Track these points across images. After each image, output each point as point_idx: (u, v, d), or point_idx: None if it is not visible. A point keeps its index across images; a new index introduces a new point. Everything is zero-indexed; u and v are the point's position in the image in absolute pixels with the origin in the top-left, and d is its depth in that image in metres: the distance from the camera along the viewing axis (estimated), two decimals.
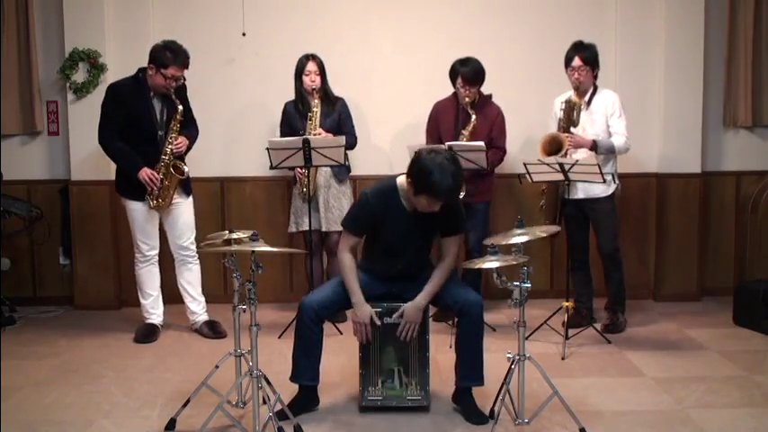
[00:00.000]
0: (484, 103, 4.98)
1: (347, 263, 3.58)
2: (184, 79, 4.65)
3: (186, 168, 4.66)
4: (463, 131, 4.87)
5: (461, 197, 4.79)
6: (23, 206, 5.42)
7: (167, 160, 4.59)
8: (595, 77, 4.79)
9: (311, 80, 4.99)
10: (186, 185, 4.80)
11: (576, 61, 4.70)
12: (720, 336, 4.82)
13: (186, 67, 4.58)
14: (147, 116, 4.59)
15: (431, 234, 3.65)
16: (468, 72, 4.84)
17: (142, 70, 4.63)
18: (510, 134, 5.09)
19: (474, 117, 4.85)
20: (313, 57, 5.02)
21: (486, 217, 5.05)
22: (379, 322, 3.55)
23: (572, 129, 4.73)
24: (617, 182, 4.79)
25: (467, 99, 4.86)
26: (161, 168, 4.59)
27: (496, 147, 4.95)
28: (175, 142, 4.60)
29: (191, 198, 4.86)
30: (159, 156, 4.60)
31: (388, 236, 3.58)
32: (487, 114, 4.94)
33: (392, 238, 3.58)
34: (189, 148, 4.75)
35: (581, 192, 4.76)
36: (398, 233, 3.56)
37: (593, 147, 4.66)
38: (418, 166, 3.32)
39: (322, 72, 5.03)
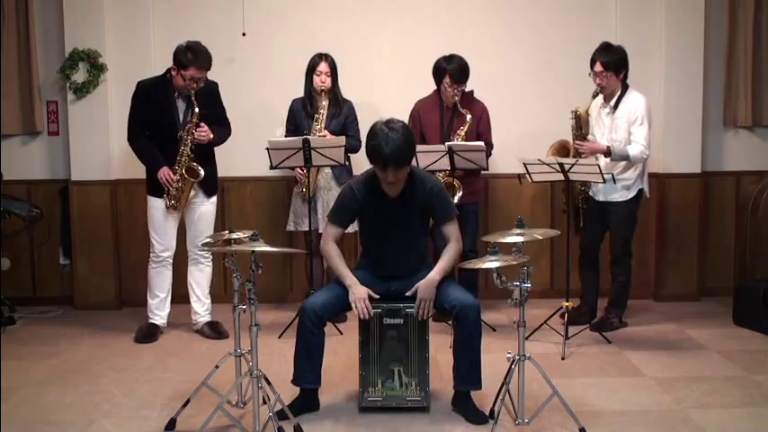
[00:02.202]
0: (468, 100, 4.92)
1: (333, 251, 3.67)
2: (216, 85, 4.72)
3: (201, 171, 4.63)
4: (458, 132, 4.83)
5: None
6: (23, 206, 5.42)
7: (183, 161, 4.59)
8: (624, 79, 4.70)
9: (321, 81, 4.94)
10: (208, 185, 4.79)
11: (598, 66, 4.62)
12: (720, 336, 4.82)
13: (207, 69, 4.58)
14: (169, 115, 4.61)
15: (416, 223, 3.64)
16: (456, 69, 4.76)
17: (170, 70, 4.66)
18: (510, 134, 5.09)
19: (470, 117, 4.81)
20: (326, 57, 4.97)
21: (476, 218, 5.04)
22: (377, 296, 3.56)
23: (589, 136, 4.76)
24: (640, 187, 4.74)
25: (455, 98, 4.80)
26: (177, 170, 4.60)
27: (484, 142, 4.92)
28: (198, 130, 4.54)
29: (213, 198, 4.86)
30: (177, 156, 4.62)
31: (374, 224, 3.64)
32: (474, 111, 4.88)
33: (379, 225, 3.63)
34: (215, 143, 4.74)
35: (600, 194, 4.76)
36: (383, 220, 3.61)
37: (607, 153, 4.62)
38: (368, 133, 3.51)
39: (333, 73, 4.98)
